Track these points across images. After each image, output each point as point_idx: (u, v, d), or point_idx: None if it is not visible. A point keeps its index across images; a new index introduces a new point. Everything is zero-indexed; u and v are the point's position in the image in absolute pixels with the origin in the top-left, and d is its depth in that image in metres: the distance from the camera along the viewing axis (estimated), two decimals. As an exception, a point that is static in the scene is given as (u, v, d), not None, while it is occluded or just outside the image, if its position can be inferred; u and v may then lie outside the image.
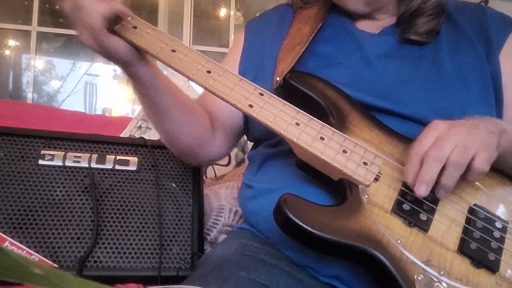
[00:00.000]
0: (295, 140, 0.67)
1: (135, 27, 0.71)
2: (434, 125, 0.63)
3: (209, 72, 0.70)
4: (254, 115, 0.68)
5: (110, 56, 0.71)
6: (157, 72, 0.77)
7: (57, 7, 3.64)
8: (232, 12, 4.04)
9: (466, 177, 0.61)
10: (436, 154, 0.59)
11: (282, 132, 0.67)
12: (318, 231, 0.60)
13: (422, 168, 0.61)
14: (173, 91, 0.80)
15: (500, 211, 0.67)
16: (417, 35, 0.80)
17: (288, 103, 0.70)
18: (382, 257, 0.59)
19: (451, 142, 0.59)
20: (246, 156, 1.52)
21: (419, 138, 0.63)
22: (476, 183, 0.66)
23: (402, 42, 0.82)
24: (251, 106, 0.68)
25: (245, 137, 0.98)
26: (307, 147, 0.66)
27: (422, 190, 0.61)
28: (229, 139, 0.93)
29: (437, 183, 0.61)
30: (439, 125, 0.63)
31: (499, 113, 0.78)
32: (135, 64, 0.73)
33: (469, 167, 0.60)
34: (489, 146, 0.61)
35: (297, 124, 0.68)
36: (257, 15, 1.06)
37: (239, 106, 0.68)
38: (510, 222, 0.66)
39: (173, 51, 0.70)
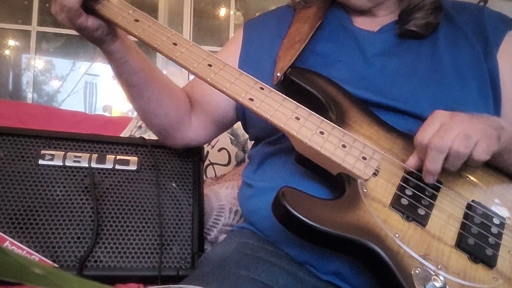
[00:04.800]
0: (294, 134, 0.67)
1: (137, 20, 0.72)
2: (436, 114, 0.65)
3: (210, 65, 0.71)
4: (255, 108, 0.68)
5: (83, 34, 0.72)
6: (130, 50, 0.78)
7: None
8: (232, 12, 4.03)
9: (467, 163, 0.62)
10: (438, 145, 0.60)
11: (282, 125, 0.68)
12: (316, 224, 0.60)
13: (426, 158, 0.62)
14: (148, 71, 0.81)
15: (498, 207, 0.67)
16: (416, 27, 0.81)
17: (288, 98, 0.70)
18: (379, 250, 0.60)
19: (453, 131, 0.60)
20: (246, 155, 1.52)
21: (422, 127, 0.64)
22: (474, 179, 0.66)
23: (401, 36, 0.83)
24: (251, 99, 0.69)
25: (245, 136, 0.99)
26: (307, 141, 0.67)
27: (430, 179, 0.64)
28: (209, 127, 0.94)
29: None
30: (441, 114, 0.64)
31: (496, 111, 0.79)
32: (106, 41, 0.74)
33: (470, 155, 0.61)
34: (490, 136, 0.62)
35: (297, 118, 0.69)
36: (257, 14, 1.07)
37: (240, 99, 0.69)
38: (507, 218, 0.66)
39: (175, 44, 0.71)
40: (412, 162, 0.66)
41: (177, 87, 0.91)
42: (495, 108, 0.79)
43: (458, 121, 0.62)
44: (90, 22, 0.70)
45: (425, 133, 0.63)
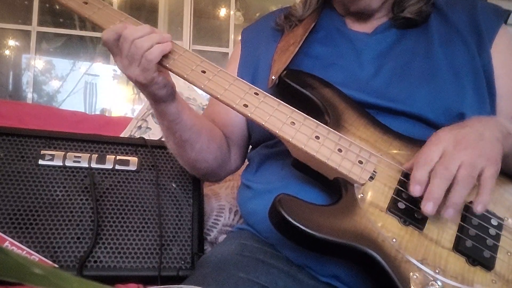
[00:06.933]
0: (290, 139, 0.67)
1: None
2: (438, 137, 0.63)
3: (204, 72, 0.70)
4: (249, 114, 0.68)
5: (148, 91, 0.72)
6: (183, 106, 0.78)
7: (57, 7, 3.64)
8: (232, 12, 4.03)
9: (477, 194, 0.60)
10: (443, 173, 0.58)
11: (277, 131, 0.67)
12: (313, 231, 0.60)
13: (430, 185, 0.59)
14: (197, 123, 0.82)
15: (496, 208, 0.67)
16: (411, 13, 0.82)
17: (283, 103, 0.70)
18: (377, 256, 0.59)
19: (457, 159, 0.59)
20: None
21: (423, 150, 0.62)
22: None
23: (397, 27, 0.83)
24: (245, 105, 0.69)
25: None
26: (302, 147, 0.66)
27: (429, 208, 0.59)
28: (243, 152, 0.96)
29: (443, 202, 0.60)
30: (443, 138, 0.62)
31: (492, 106, 0.78)
32: (167, 101, 0.74)
33: (477, 183, 0.60)
34: (495, 161, 0.61)
35: (293, 123, 0.68)
36: (257, 15, 1.07)
37: (234, 105, 0.68)
38: (505, 219, 0.66)
39: None
40: (410, 166, 0.66)
41: (216, 128, 0.90)
42: (491, 104, 0.78)
43: (462, 148, 0.60)
44: (161, 78, 0.71)
45: (428, 156, 0.61)
